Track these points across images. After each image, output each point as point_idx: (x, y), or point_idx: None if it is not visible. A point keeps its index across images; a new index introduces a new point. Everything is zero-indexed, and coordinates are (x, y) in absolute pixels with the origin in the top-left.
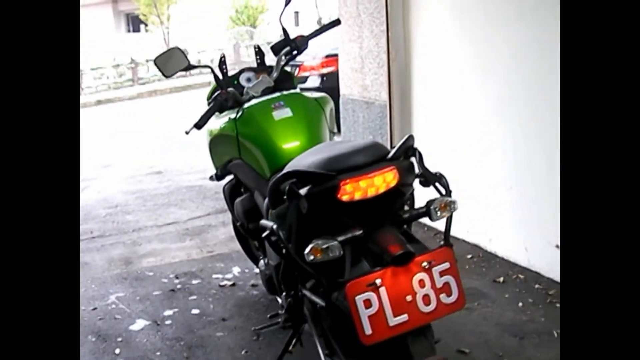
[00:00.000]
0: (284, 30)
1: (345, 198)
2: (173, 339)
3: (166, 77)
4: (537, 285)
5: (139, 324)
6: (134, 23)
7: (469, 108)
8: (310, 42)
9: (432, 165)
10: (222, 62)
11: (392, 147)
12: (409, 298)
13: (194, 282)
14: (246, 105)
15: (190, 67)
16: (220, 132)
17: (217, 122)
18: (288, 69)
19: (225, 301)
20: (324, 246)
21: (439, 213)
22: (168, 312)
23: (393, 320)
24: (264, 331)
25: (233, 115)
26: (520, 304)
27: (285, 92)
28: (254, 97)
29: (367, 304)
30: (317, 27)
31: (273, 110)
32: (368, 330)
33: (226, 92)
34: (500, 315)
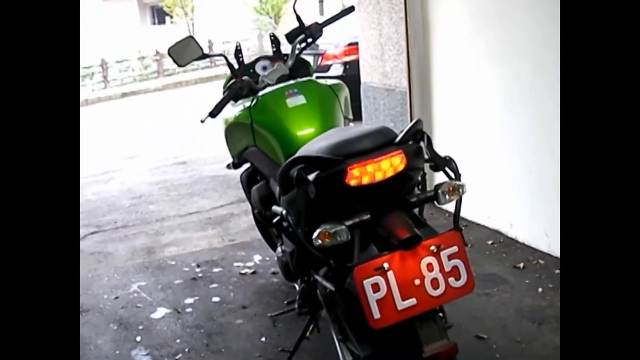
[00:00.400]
0: (298, 18)
1: (353, 182)
2: (193, 326)
3: (180, 66)
4: (557, 271)
5: (160, 312)
6: (159, 15)
7: (489, 93)
8: (333, 31)
9: (452, 150)
10: (238, 51)
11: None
12: (417, 282)
13: (215, 270)
14: (260, 93)
15: (204, 56)
16: (236, 120)
17: (232, 111)
18: (310, 58)
19: (245, 289)
20: (332, 231)
21: (447, 197)
22: (189, 300)
23: (401, 304)
24: (282, 317)
25: (248, 104)
26: (540, 290)
27: (299, 80)
28: (269, 85)
29: (375, 288)
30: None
31: (287, 97)
32: (376, 314)
33: (240, 81)
34: (519, 300)
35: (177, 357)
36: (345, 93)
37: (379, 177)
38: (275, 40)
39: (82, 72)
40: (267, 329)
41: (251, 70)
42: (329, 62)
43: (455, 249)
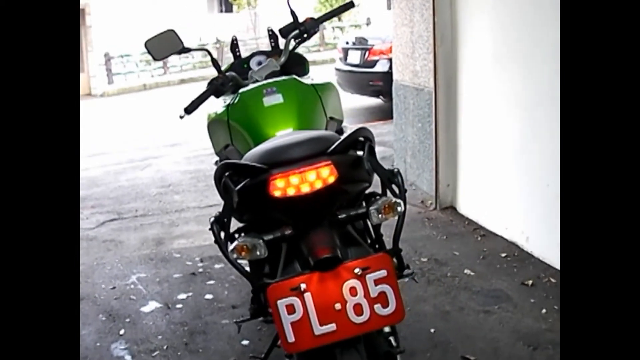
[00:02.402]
0: (292, 12)
1: (277, 194)
2: (178, 323)
3: (155, 60)
4: None
5: (151, 306)
6: (227, 4)
7: (511, 101)
8: (380, 26)
9: (475, 156)
10: (235, 45)
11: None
12: (337, 306)
13: (216, 266)
14: (241, 90)
15: (184, 50)
16: (216, 117)
17: (215, 107)
18: (357, 53)
19: (240, 288)
20: (246, 245)
21: (380, 215)
22: (182, 296)
23: (319, 329)
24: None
25: (229, 100)
26: (544, 311)
27: (280, 78)
28: (257, 81)
29: (290, 309)
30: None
31: (264, 96)
32: (291, 338)
33: (223, 77)
34: (519, 321)
35: (154, 354)
36: (331, 93)
37: (305, 189)
38: (273, 35)
39: (142, 57)
40: (251, 332)
41: (245, 65)
42: (375, 58)
43: (383, 273)
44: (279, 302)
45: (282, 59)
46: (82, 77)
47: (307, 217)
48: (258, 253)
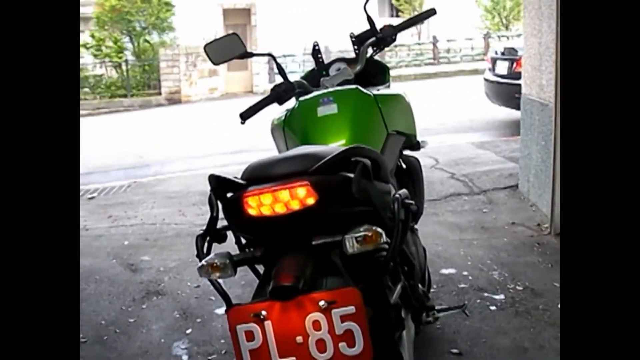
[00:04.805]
0: (369, 19)
1: (252, 212)
2: None
3: (215, 64)
4: None
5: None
6: (395, 8)
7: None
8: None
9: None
10: (316, 51)
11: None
12: (299, 339)
13: None
14: (301, 98)
15: (247, 55)
16: (276, 123)
17: (278, 113)
18: (505, 63)
19: None
20: (216, 263)
21: (355, 246)
22: None
23: None
24: None
25: (290, 107)
26: None
27: (341, 87)
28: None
29: (249, 336)
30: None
31: (319, 105)
32: None
33: (286, 83)
34: None
35: (210, 357)
36: (397, 105)
37: (279, 210)
38: (357, 41)
39: (304, 58)
40: None
41: (324, 72)
42: (521, 70)
43: (351, 309)
44: (238, 327)
45: (358, 67)
46: (245, 74)
47: (280, 240)
48: (229, 272)
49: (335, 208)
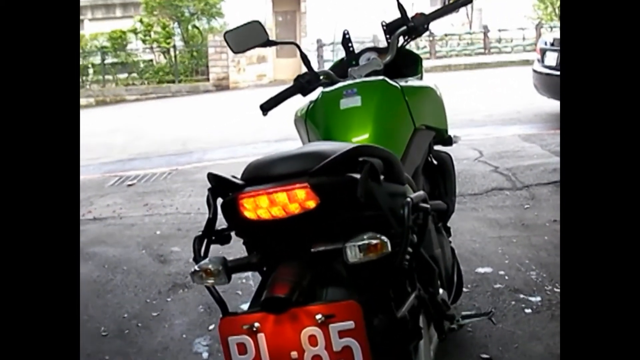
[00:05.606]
0: (400, 7)
1: (248, 215)
2: None
3: (235, 52)
4: None
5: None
6: None
7: None
8: None
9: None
10: (347, 39)
11: None
12: (294, 354)
13: None
14: (324, 89)
15: (269, 43)
16: (299, 115)
17: (301, 105)
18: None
19: None
20: (209, 268)
21: (358, 255)
22: None
23: None
24: None
25: (314, 98)
26: None
27: (367, 79)
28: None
29: (242, 349)
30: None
31: (342, 97)
32: None
33: (310, 73)
34: None
35: None
36: (425, 98)
37: (277, 213)
38: (387, 30)
39: None
40: None
41: (353, 62)
42: None
43: (350, 324)
44: (229, 338)
45: (388, 58)
46: (294, 61)
47: (277, 245)
48: (222, 279)
49: (338, 212)
